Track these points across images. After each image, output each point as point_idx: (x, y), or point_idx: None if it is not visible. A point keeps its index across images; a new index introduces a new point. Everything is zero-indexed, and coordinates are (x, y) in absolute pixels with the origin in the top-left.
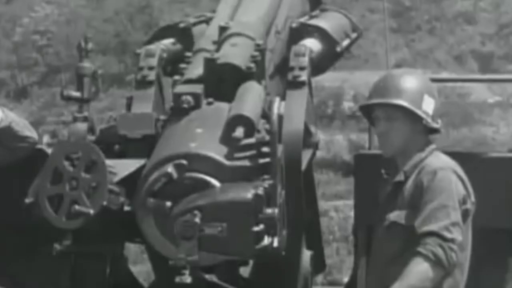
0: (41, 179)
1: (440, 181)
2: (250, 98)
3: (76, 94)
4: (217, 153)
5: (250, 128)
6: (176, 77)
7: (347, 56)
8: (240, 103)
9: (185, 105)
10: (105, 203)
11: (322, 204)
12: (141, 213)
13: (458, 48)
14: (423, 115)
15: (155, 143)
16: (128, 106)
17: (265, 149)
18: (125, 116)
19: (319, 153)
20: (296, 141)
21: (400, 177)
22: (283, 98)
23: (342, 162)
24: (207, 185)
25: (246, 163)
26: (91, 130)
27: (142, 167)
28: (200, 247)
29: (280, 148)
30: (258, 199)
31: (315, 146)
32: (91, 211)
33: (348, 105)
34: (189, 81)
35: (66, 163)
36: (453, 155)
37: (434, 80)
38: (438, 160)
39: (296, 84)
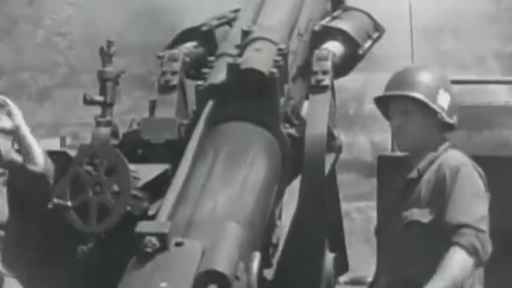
0: (63, 185)
1: (465, 176)
2: (226, 241)
3: (99, 98)
4: None
5: (224, 286)
6: (199, 83)
7: (369, 57)
8: (213, 250)
9: (149, 249)
10: (129, 208)
11: (344, 206)
12: None
13: (480, 49)
14: (439, 109)
15: (177, 148)
16: (151, 111)
17: None
18: (148, 121)
19: (341, 155)
20: (319, 145)
21: (413, 174)
22: (306, 99)
23: (364, 163)
24: None
25: None
26: (114, 134)
27: (166, 172)
28: None
29: None
30: None
31: (339, 150)
32: (69, 203)
33: (370, 106)
34: (212, 86)
35: (89, 168)
36: (475, 158)
37: (456, 82)
38: (456, 157)
39: (319, 88)
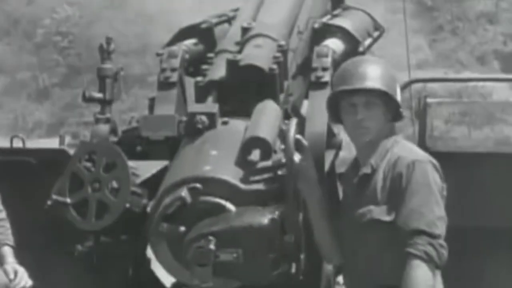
0: (62, 181)
1: (419, 175)
2: (267, 118)
3: (98, 95)
4: (232, 176)
5: (267, 150)
6: (199, 79)
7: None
8: (256, 124)
9: (200, 126)
10: (128, 205)
11: None
12: (154, 238)
13: (480, 48)
14: (400, 103)
15: (177, 145)
16: (151, 108)
17: (282, 172)
18: (147, 118)
19: (340, 153)
20: (319, 141)
21: (367, 169)
22: (305, 97)
23: None
24: (222, 209)
25: (262, 186)
26: (113, 131)
27: (165, 169)
28: (215, 273)
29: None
30: (274, 225)
31: (338, 146)
32: (68, 200)
33: None
34: (212, 83)
35: (88, 165)
36: (475, 155)
37: (456, 80)
38: (410, 151)
39: (319, 85)
